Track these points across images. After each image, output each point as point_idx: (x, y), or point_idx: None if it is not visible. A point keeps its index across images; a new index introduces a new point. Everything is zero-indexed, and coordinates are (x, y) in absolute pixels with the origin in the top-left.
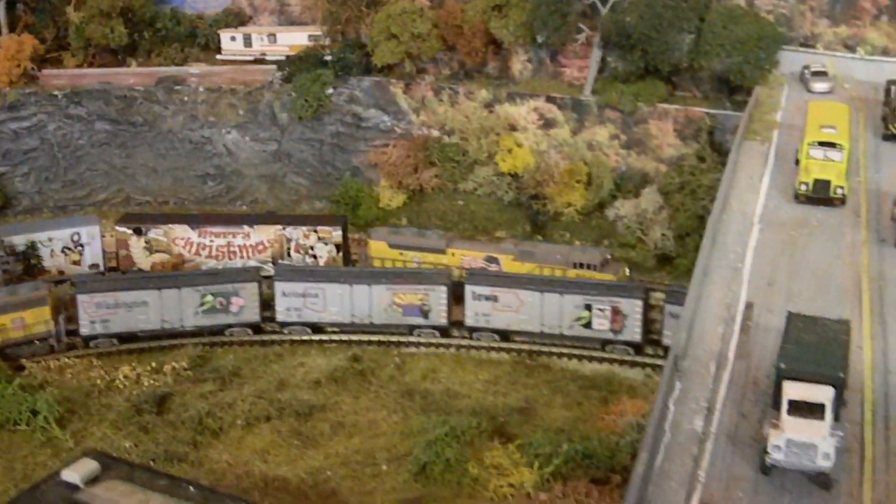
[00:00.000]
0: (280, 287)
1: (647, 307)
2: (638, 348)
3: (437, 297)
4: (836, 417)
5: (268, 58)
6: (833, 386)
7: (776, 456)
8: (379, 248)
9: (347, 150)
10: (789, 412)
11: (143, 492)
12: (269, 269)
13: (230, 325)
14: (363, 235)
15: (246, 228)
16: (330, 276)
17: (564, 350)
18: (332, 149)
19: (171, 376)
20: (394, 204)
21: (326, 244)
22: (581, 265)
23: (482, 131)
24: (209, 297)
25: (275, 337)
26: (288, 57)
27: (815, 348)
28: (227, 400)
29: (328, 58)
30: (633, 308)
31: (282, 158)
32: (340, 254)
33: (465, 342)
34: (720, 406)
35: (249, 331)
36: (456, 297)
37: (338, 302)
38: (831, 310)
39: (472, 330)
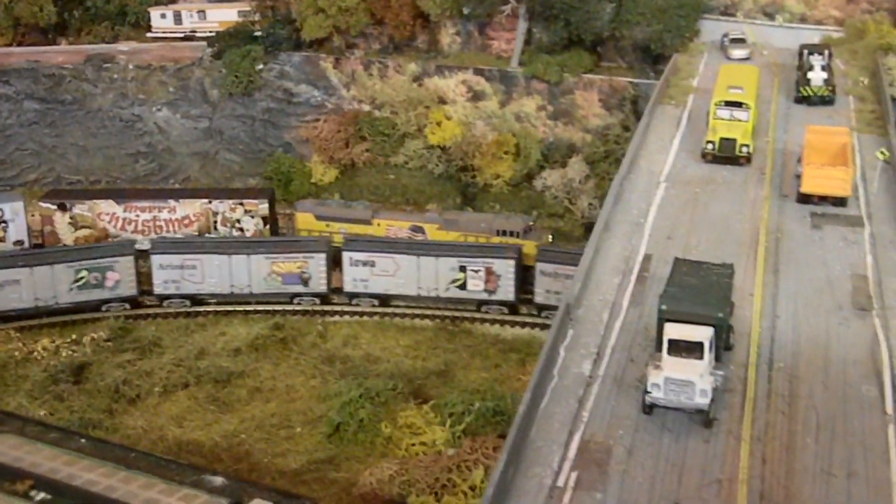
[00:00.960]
0: (157, 260)
1: (520, 267)
2: (512, 308)
3: (317, 265)
4: (717, 357)
5: (198, 34)
6: (712, 326)
7: (656, 394)
8: (306, 220)
9: (279, 126)
10: (669, 352)
11: (33, 444)
12: (145, 243)
13: (107, 301)
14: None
15: (171, 202)
16: (207, 248)
17: (487, 316)
18: (264, 125)
19: (90, 347)
20: (326, 179)
21: (253, 217)
22: (504, 232)
23: (411, 104)
24: (83, 273)
25: (200, 308)
26: (218, 33)
27: (696, 291)
28: (145, 369)
29: (258, 33)
30: (506, 268)
31: (213, 135)
32: (267, 227)
33: (388, 310)
34: (609, 351)
35: (127, 305)
36: (336, 263)
37: (216, 273)
38: (727, 259)
39: (352, 296)
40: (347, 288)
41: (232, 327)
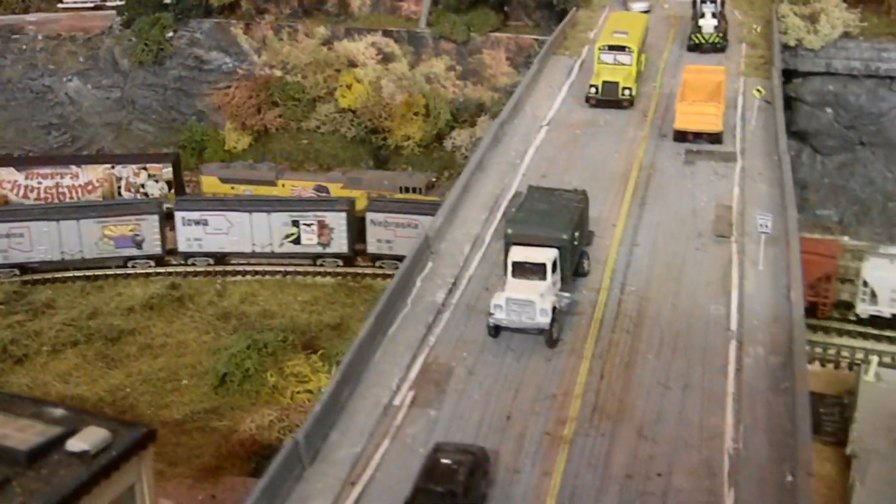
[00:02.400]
0: None
1: (352, 219)
2: (347, 259)
3: (150, 226)
4: (565, 281)
5: (108, 3)
6: (556, 248)
7: (498, 315)
8: (210, 183)
9: (191, 94)
10: (514, 274)
11: None
12: None
13: None
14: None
15: (74, 169)
16: (34, 214)
17: (389, 272)
18: (176, 93)
19: None
20: (239, 146)
21: (157, 181)
22: (407, 189)
23: (319, 67)
24: None
25: (98, 272)
26: (127, 1)
27: (542, 215)
28: (34, 329)
29: (167, 1)
30: (338, 221)
31: (126, 105)
32: (172, 191)
33: (290, 268)
34: (466, 281)
35: None
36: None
37: (45, 240)
38: (597, 194)
39: (187, 256)
40: (182, 248)
41: (129, 288)
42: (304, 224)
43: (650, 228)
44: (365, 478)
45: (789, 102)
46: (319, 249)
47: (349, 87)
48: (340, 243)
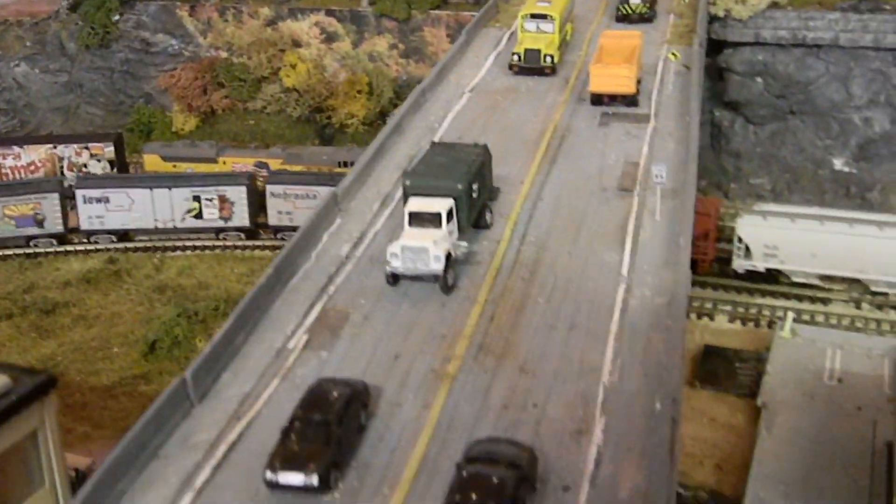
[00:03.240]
0: None
1: (253, 193)
2: (250, 233)
3: (51, 205)
4: (462, 230)
5: None
6: (452, 198)
7: (395, 263)
8: (153, 162)
9: (138, 77)
10: (410, 224)
11: None
12: None
13: None
14: None
15: (16, 149)
16: None
17: None
18: (123, 76)
19: None
20: (187, 128)
21: (100, 161)
22: (345, 163)
23: (263, 48)
24: None
25: (39, 249)
26: None
27: (440, 167)
28: None
29: None
30: (238, 195)
31: (74, 89)
32: (115, 170)
33: (229, 242)
34: (372, 235)
35: None
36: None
37: None
38: (509, 155)
39: (89, 234)
40: (84, 226)
41: (67, 264)
42: (206, 199)
43: (557, 185)
44: (251, 413)
45: (721, 73)
46: (221, 223)
47: (293, 66)
48: (242, 217)
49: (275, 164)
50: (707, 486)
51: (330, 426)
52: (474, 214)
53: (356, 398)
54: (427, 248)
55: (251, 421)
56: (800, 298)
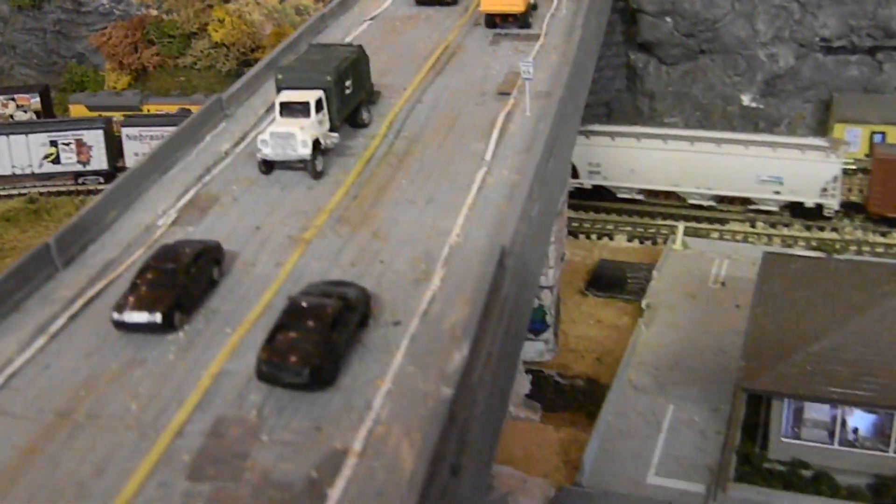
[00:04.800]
0: None
1: (110, 137)
2: (108, 176)
3: None
4: (333, 122)
5: None
6: (322, 90)
7: (265, 150)
8: (78, 111)
9: (70, 37)
10: (281, 114)
11: None
12: None
13: None
14: None
15: None
16: None
17: None
18: (56, 36)
19: None
20: (119, 86)
21: (26, 112)
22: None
23: (191, 2)
24: None
25: None
26: None
27: (312, 63)
28: None
29: None
30: (96, 139)
31: (6, 51)
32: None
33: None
34: (253, 136)
35: None
36: None
37: None
38: (399, 69)
39: None
40: None
41: None
42: (63, 144)
43: (439, 91)
44: (113, 276)
45: (634, 16)
46: (80, 168)
47: (221, 21)
48: (100, 161)
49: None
50: (584, 375)
51: (177, 274)
52: (348, 110)
53: (207, 253)
54: (294, 133)
55: (112, 281)
56: (698, 220)
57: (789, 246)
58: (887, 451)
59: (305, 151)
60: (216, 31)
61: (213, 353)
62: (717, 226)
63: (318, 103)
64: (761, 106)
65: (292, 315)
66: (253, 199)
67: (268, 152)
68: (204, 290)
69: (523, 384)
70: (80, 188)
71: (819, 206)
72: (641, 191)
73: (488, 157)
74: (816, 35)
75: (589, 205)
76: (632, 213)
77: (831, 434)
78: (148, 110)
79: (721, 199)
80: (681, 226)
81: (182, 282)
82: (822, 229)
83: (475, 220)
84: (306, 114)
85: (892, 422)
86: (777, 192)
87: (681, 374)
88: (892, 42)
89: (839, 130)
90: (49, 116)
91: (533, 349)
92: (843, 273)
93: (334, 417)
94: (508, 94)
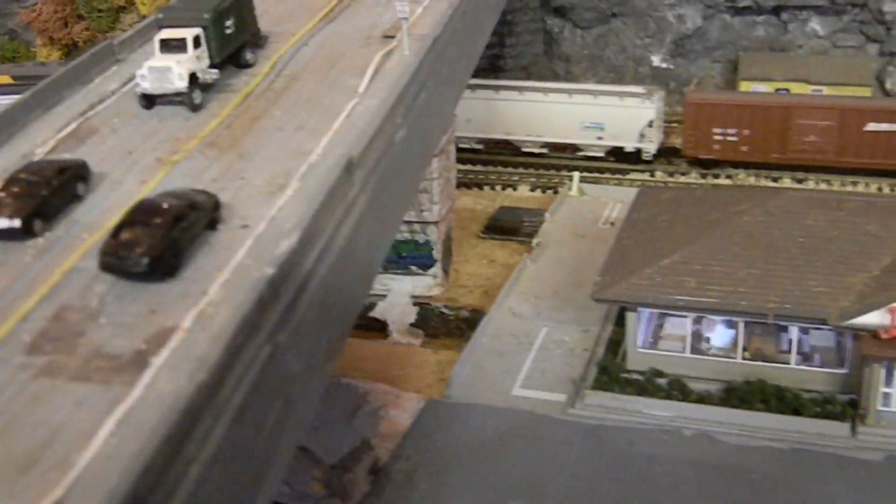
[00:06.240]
0: None
1: None
2: None
3: None
4: (213, 59)
5: None
6: (200, 27)
7: (144, 84)
8: (4, 81)
9: (2, 14)
10: (161, 50)
11: None
12: None
13: None
14: None
15: None
16: None
17: None
18: None
19: None
20: (51, 60)
21: None
22: None
23: None
24: None
25: None
26: None
27: (192, 3)
28: None
29: None
30: None
31: None
32: None
33: None
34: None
35: None
36: None
37: None
38: (291, 19)
39: None
40: None
41: None
42: None
43: (326, 36)
44: None
45: None
46: None
47: None
48: None
49: None
50: (471, 307)
51: (38, 185)
52: (229, 50)
53: (71, 169)
54: (170, 67)
55: None
56: (601, 171)
57: None
58: (735, 359)
59: (181, 84)
60: (144, 4)
61: (68, 254)
62: (617, 176)
63: (196, 40)
64: (671, 66)
65: (137, 213)
66: (131, 130)
67: (146, 86)
68: (67, 203)
69: (409, 315)
70: None
71: (638, 151)
72: (480, 140)
73: (361, 89)
74: None
75: (496, 158)
76: (538, 166)
77: (687, 345)
78: None
79: (552, 147)
80: (576, 174)
81: (43, 192)
82: (716, 176)
83: (338, 143)
84: (183, 49)
85: (739, 332)
86: (600, 138)
87: (558, 302)
88: (795, 2)
89: (745, 88)
90: None
91: (422, 283)
92: (706, 198)
93: (170, 303)
94: (393, 37)
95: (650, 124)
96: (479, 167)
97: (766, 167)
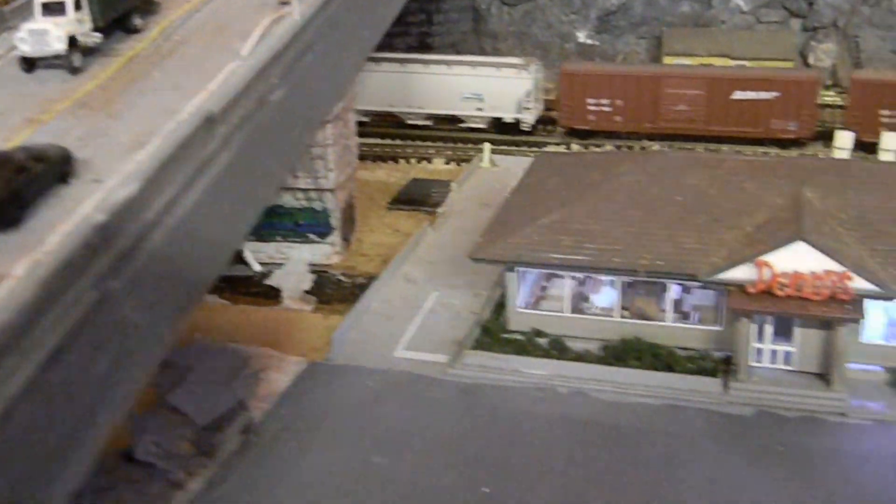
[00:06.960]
0: None
1: None
2: None
3: None
4: (96, 28)
5: None
6: None
7: (23, 47)
8: None
9: None
10: (42, 14)
11: None
12: None
13: None
14: None
15: None
16: None
17: None
18: None
19: None
20: None
21: None
22: None
23: None
24: None
25: None
26: None
27: None
28: None
29: None
30: None
31: None
32: None
33: None
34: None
35: None
36: None
37: None
38: None
39: None
40: None
41: None
42: None
43: (221, 2)
44: None
45: None
46: None
47: None
48: None
49: None
50: (368, 275)
51: None
52: (114, 14)
53: None
54: (49, 29)
55: None
56: (517, 144)
57: None
58: (613, 318)
59: (60, 46)
60: None
61: None
62: (534, 149)
63: (77, 3)
64: (597, 42)
65: None
66: (7, 93)
67: (25, 49)
68: None
69: (304, 282)
70: None
71: (517, 121)
72: (365, 112)
73: (245, 52)
74: None
75: (411, 133)
76: (454, 140)
77: (567, 305)
78: None
79: (435, 119)
80: (487, 145)
81: None
82: (643, 148)
83: (210, 100)
84: (62, 12)
85: (617, 290)
86: (480, 109)
87: (453, 267)
88: None
89: (669, 62)
90: None
91: (320, 251)
92: (594, 161)
93: (7, 252)
94: (288, 3)
95: (528, 95)
96: (396, 141)
97: (639, 137)
